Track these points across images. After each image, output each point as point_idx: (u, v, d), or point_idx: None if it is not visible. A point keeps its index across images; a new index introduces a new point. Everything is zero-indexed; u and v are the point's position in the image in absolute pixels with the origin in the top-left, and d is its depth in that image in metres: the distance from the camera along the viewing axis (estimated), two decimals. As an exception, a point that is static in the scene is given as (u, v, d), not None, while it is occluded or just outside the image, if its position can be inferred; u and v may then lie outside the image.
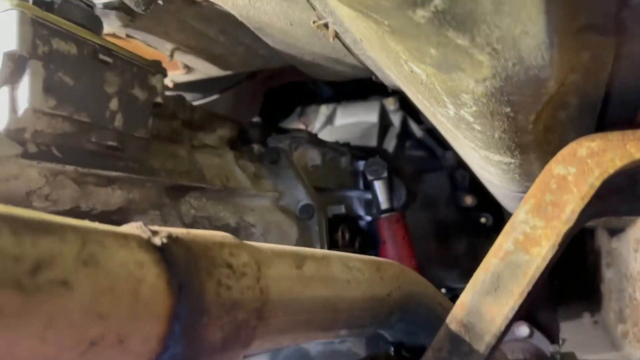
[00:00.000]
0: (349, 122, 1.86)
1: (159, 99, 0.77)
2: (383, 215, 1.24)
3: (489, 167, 0.68)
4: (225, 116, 1.06)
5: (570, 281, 1.54)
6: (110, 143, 0.69)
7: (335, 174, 1.21)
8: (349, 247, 1.12)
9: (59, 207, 0.64)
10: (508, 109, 0.45)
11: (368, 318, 0.61)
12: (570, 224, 0.46)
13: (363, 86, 1.78)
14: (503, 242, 0.51)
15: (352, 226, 1.14)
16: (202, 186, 0.83)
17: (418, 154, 1.71)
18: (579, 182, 0.47)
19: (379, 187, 1.26)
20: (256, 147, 1.04)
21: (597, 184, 0.46)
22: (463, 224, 1.65)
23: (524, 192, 0.82)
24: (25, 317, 0.26)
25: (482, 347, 0.51)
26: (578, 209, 0.46)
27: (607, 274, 1.17)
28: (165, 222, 0.78)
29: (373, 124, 1.78)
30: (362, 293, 0.58)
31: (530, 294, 0.50)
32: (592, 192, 0.46)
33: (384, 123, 1.78)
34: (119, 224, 0.79)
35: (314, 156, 1.12)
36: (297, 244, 0.94)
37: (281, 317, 0.46)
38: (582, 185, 0.46)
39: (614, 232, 1.07)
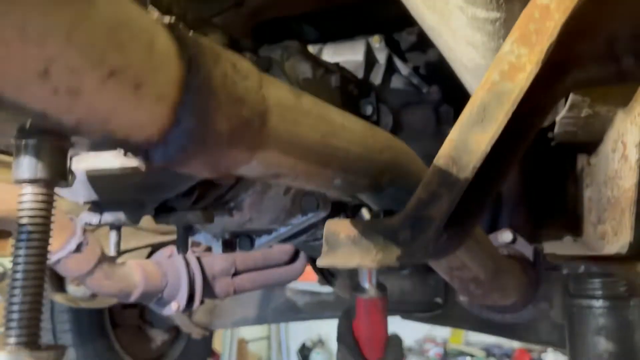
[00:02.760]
0: (335, 61, 1.88)
1: (152, -17, 0.77)
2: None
3: (476, 34, 0.70)
4: (216, 24, 1.07)
5: (551, 213, 1.60)
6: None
7: (326, 93, 1.23)
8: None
9: None
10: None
11: (362, 170, 0.63)
12: (553, 38, 0.49)
13: (348, 25, 1.80)
14: (490, 75, 0.54)
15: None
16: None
17: (403, 88, 1.75)
18: (561, 8, 0.50)
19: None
20: (248, 55, 1.05)
21: None
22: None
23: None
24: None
25: (468, 172, 0.54)
26: (559, 25, 0.49)
27: (587, 193, 1.21)
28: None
29: (359, 62, 1.81)
30: (357, 139, 0.61)
31: (515, 120, 0.53)
32: (572, 5, 0.49)
33: (370, 60, 1.81)
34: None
35: (305, 69, 1.14)
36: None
37: (282, 134, 0.48)
38: (563, 6, 0.49)
39: (593, 148, 1.11)
